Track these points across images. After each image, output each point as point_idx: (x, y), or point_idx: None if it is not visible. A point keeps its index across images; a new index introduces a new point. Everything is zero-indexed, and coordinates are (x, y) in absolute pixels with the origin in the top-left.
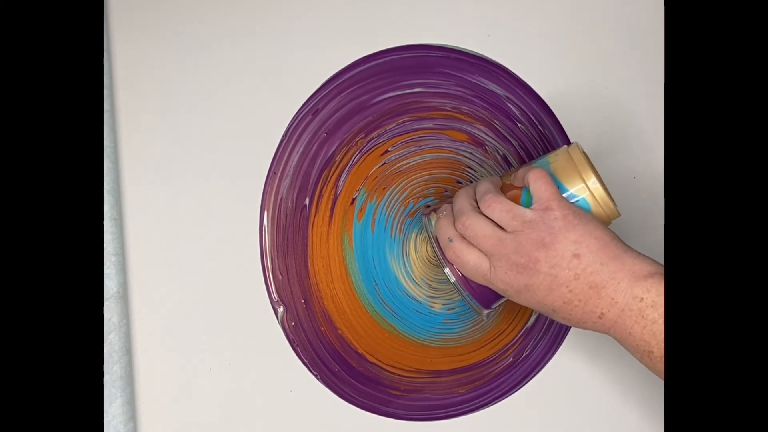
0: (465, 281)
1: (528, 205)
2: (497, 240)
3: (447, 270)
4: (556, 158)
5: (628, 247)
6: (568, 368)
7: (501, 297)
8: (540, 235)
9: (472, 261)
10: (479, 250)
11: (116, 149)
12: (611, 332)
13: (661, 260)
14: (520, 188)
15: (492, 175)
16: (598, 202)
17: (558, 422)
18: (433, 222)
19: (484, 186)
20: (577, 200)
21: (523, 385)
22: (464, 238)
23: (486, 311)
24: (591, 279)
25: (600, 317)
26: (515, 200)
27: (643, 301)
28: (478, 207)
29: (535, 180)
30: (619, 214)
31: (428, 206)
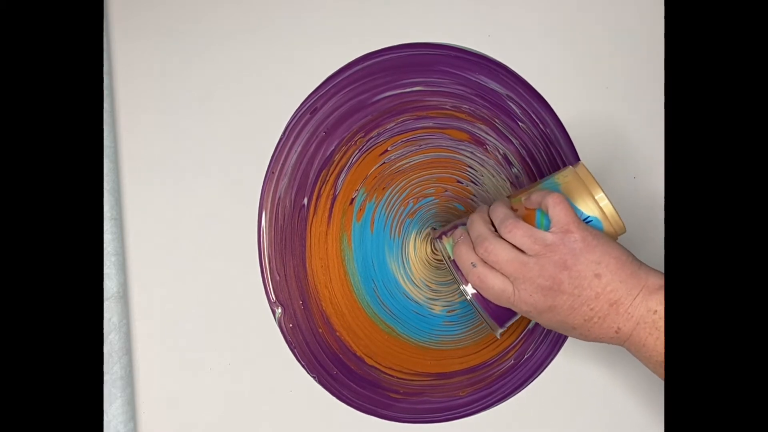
0: (483, 301)
1: (543, 227)
2: (521, 264)
3: (465, 288)
4: (566, 179)
5: (641, 262)
6: (570, 370)
7: (515, 315)
8: (562, 257)
9: (497, 285)
10: (502, 274)
11: (116, 149)
12: (626, 345)
13: (661, 259)
14: (533, 210)
15: (500, 198)
16: (608, 220)
17: (560, 424)
18: (447, 246)
19: (501, 211)
20: (590, 220)
21: (525, 387)
22: (485, 262)
23: (500, 330)
24: (610, 297)
25: (617, 332)
26: (529, 222)
27: (656, 313)
28: (495, 231)
29: (555, 205)
30: (625, 230)
31: (434, 229)
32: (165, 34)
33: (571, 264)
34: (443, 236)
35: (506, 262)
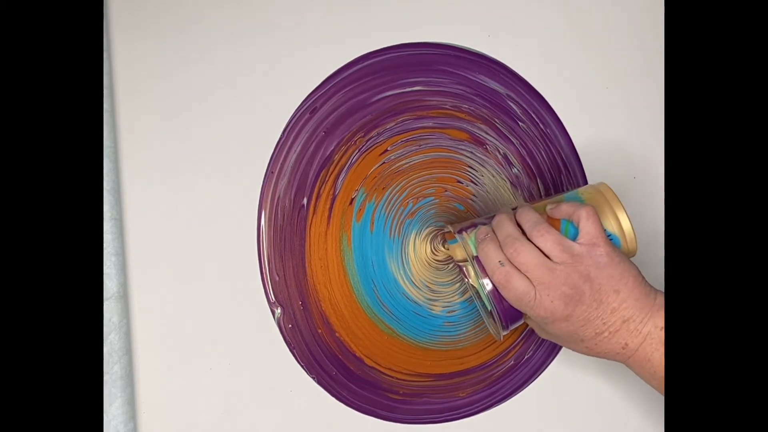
0: (498, 300)
1: (569, 237)
2: (548, 270)
3: (483, 282)
4: (591, 196)
5: (651, 285)
6: (570, 371)
7: (520, 320)
8: (587, 269)
9: (520, 288)
10: (527, 277)
11: (116, 149)
12: (629, 361)
13: (662, 261)
14: (557, 220)
15: (525, 204)
16: (626, 239)
17: (560, 425)
18: (470, 242)
19: (533, 215)
20: (611, 237)
21: (525, 388)
22: (512, 263)
23: (504, 332)
24: (624, 313)
25: (624, 348)
26: None
27: (663, 329)
28: (523, 234)
29: (588, 218)
30: (636, 253)
31: (446, 230)
32: (165, 34)
33: (594, 276)
34: (463, 232)
35: (534, 266)
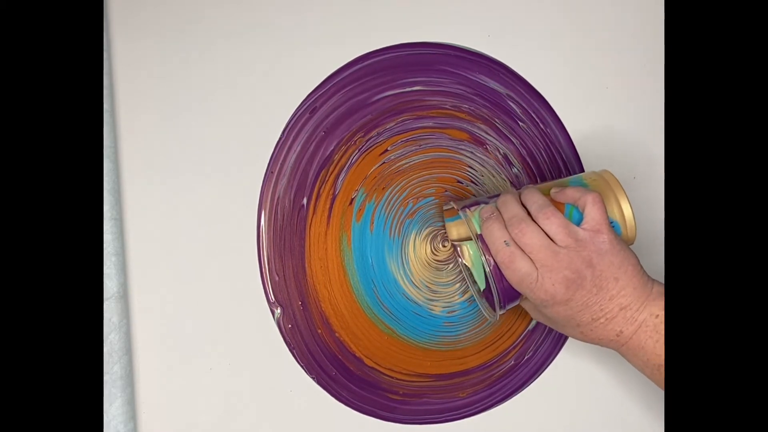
0: (499, 279)
1: (573, 221)
2: (552, 252)
3: (484, 260)
4: (594, 183)
5: (648, 275)
6: (571, 371)
7: (517, 300)
8: (589, 254)
9: (523, 269)
10: (530, 258)
11: (116, 149)
12: (623, 348)
13: (662, 260)
14: (561, 204)
15: (530, 184)
16: (626, 226)
17: (560, 425)
18: (474, 220)
19: (539, 197)
20: (613, 223)
21: (525, 388)
22: (516, 244)
23: (500, 312)
24: (622, 301)
25: (618, 335)
26: None
27: (658, 317)
28: (528, 215)
29: (593, 203)
30: (635, 241)
31: (449, 206)
32: (165, 34)
33: (596, 263)
34: (466, 209)
35: (539, 248)
